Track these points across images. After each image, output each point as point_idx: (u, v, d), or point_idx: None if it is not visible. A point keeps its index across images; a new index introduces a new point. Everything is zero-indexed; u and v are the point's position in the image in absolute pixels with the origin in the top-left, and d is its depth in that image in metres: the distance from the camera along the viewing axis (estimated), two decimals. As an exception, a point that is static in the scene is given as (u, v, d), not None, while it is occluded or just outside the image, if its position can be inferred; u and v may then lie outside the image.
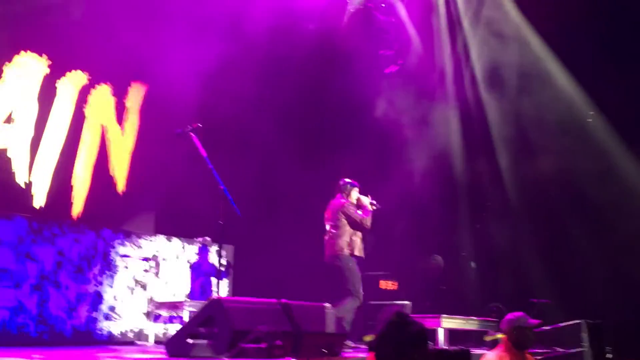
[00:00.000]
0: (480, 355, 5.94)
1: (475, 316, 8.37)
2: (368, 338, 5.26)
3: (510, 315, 5.07)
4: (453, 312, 8.13)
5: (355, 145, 10.56)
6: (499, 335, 5.43)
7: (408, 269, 10.11)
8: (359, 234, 7.24)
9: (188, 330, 4.61)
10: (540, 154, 10.26)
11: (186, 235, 8.77)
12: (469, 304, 10.10)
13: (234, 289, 9.21)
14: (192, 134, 6.11)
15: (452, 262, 10.84)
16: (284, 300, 4.94)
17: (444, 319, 7.24)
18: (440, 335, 7.33)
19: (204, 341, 4.40)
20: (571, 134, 10.11)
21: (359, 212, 7.24)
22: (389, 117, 10.58)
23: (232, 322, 4.29)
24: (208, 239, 8.72)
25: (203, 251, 8.78)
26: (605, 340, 6.66)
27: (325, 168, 10.00)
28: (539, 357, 6.14)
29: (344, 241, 7.12)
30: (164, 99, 9.00)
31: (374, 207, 7.40)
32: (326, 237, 7.30)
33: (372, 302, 8.94)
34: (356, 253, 7.17)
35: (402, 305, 8.43)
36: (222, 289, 8.47)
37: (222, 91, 9.39)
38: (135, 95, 9.48)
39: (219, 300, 4.50)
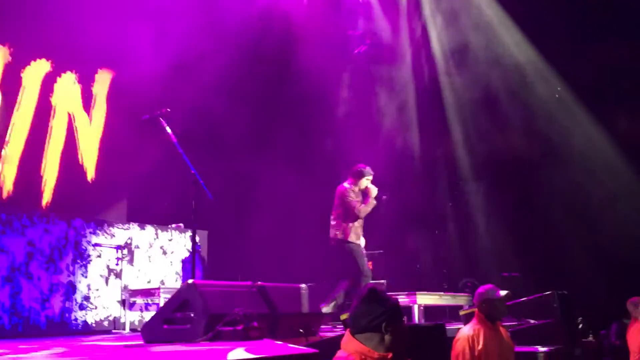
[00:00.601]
0: (455, 330, 6.06)
1: (449, 292, 8.50)
2: (344, 316, 5.31)
3: (480, 289, 5.15)
4: (428, 289, 8.24)
5: (323, 128, 10.58)
6: (473, 309, 5.53)
7: (383, 248, 10.19)
8: (357, 220, 7.25)
9: (163, 315, 4.59)
10: (511, 131, 10.39)
11: (159, 222, 8.72)
12: (444, 280, 10.26)
13: (209, 274, 9.19)
14: (161, 119, 6.04)
15: (427, 241, 10.97)
16: (259, 283, 4.96)
17: (419, 296, 7.32)
18: (416, 311, 7.41)
19: (180, 326, 4.39)
20: (539, 110, 10.27)
21: (358, 200, 7.21)
22: (354, 98, 10.61)
23: (207, 306, 4.28)
24: (181, 225, 8.68)
25: (177, 237, 8.74)
26: (576, 311, 6.82)
27: (295, 151, 10.01)
28: (512, 329, 6.27)
29: (340, 226, 7.18)
30: (131, 86, 8.89)
31: (382, 199, 7.39)
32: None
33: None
34: (351, 239, 7.19)
35: (378, 283, 8.51)
36: (196, 274, 8.45)
37: (190, 77, 9.30)
38: (102, 83, 9.35)
39: (194, 284, 4.49)
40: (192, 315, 4.38)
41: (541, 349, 5.87)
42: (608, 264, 9.47)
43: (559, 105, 10.32)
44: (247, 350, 3.29)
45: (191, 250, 6.22)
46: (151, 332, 4.58)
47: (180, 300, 4.50)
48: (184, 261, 8.66)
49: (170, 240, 8.71)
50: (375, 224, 10.19)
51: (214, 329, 4.17)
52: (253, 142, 10.15)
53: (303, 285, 5.62)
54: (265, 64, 10.30)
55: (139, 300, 7.99)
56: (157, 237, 8.61)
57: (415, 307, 7.39)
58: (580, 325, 7.82)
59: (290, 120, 10.93)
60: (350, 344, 2.95)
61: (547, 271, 9.10)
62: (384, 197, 7.44)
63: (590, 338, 8.24)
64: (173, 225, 8.71)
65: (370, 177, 7.38)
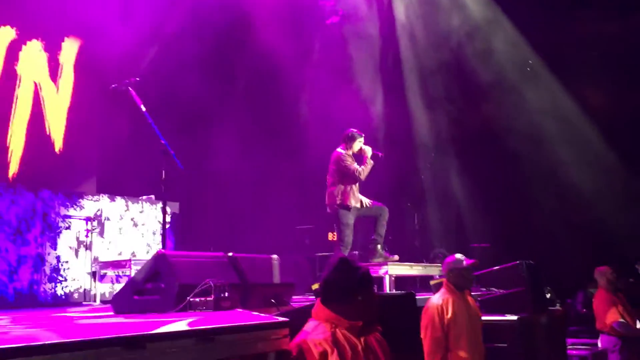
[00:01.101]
0: (426, 299, 6.13)
1: (420, 262, 8.57)
2: (315, 286, 5.33)
3: (448, 259, 5.22)
4: (399, 259, 8.31)
5: (293, 99, 10.51)
6: (443, 279, 5.60)
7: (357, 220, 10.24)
8: (355, 184, 7.22)
9: (133, 286, 4.55)
10: (481, 104, 10.45)
11: (130, 193, 8.62)
12: (415, 251, 10.36)
13: (181, 245, 9.15)
14: (130, 88, 5.92)
15: (398, 213, 11.04)
16: (230, 253, 4.94)
17: (390, 266, 7.37)
18: (387, 281, 7.47)
19: (151, 297, 4.36)
20: (507, 87, 10.33)
21: (355, 164, 7.16)
22: (324, 69, 10.55)
23: (178, 276, 4.25)
24: (152, 196, 8.60)
25: (148, 209, 8.66)
26: (543, 280, 6.94)
27: (262, 123, 9.94)
28: (481, 298, 6.36)
29: (339, 191, 7.14)
30: (100, 55, 8.71)
31: (379, 156, 7.34)
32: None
33: (321, 254, 9.07)
34: (350, 203, 7.16)
35: (350, 254, 8.56)
36: (168, 245, 8.40)
37: (160, 45, 9.13)
38: (69, 51, 9.13)
39: (164, 254, 4.45)
40: (162, 286, 4.35)
41: (509, 317, 5.97)
42: (574, 235, 9.66)
43: (528, 76, 10.39)
44: (217, 320, 3.28)
45: (162, 221, 6.15)
46: (121, 303, 4.54)
47: (150, 271, 4.46)
48: (155, 233, 8.60)
49: (141, 212, 8.64)
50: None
51: (184, 300, 4.15)
52: (224, 113, 10.03)
53: (274, 256, 5.63)
54: (234, 34, 10.14)
55: (110, 272, 7.93)
56: (128, 209, 8.52)
57: (387, 277, 7.44)
58: (548, 295, 7.98)
59: (260, 91, 10.83)
60: (321, 313, 2.97)
61: (516, 242, 9.25)
62: (380, 154, 7.37)
63: (557, 307, 8.42)
64: (144, 197, 8.63)
65: (362, 139, 7.33)
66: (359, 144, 7.30)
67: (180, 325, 2.99)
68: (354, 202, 7.19)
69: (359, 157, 7.28)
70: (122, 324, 3.36)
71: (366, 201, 7.41)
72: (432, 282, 6.77)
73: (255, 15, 10.21)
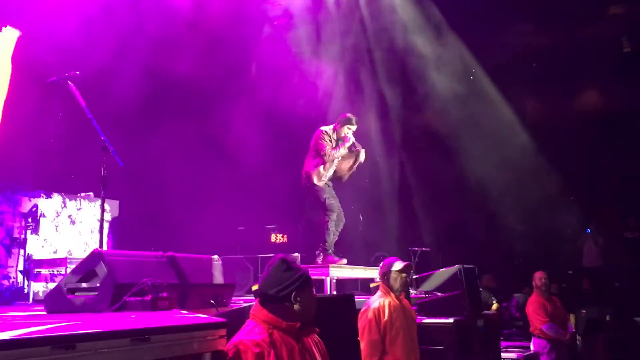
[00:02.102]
0: (364, 301, 6.18)
1: (362, 265, 8.64)
2: (255, 287, 5.30)
3: (383, 261, 5.28)
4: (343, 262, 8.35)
5: (228, 101, 10.45)
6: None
7: (297, 222, 10.24)
8: (327, 165, 7.15)
9: (67, 285, 4.42)
10: (425, 113, 10.64)
11: (67, 190, 8.39)
12: (357, 253, 10.43)
13: (119, 244, 8.96)
14: (69, 82, 5.74)
15: (344, 215, 11.09)
16: (169, 253, 4.86)
17: (331, 268, 7.41)
18: (328, 284, 7.50)
19: (85, 296, 4.25)
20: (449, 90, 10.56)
21: (330, 144, 7.09)
22: (268, 68, 10.54)
23: (114, 276, 4.15)
24: (91, 194, 8.40)
25: (86, 207, 8.44)
26: (480, 284, 7.11)
27: (206, 121, 9.83)
28: (419, 301, 6.46)
29: (310, 166, 7.10)
30: (40, 46, 8.43)
31: (353, 149, 7.24)
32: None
33: (263, 255, 9.02)
34: (315, 181, 7.09)
35: (291, 256, 8.55)
36: (105, 244, 8.21)
37: (102, 38, 8.92)
38: (7, 41, 8.80)
39: (100, 253, 4.34)
40: (98, 285, 4.24)
41: (446, 320, 6.09)
42: (511, 240, 9.92)
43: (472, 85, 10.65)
44: (153, 320, 3.23)
45: (100, 219, 6.00)
46: (54, 302, 4.40)
47: (85, 270, 4.34)
48: (93, 231, 8.39)
49: (79, 209, 8.42)
50: (289, 198, 10.26)
51: (121, 299, 4.06)
52: (165, 113, 9.88)
53: (215, 257, 5.56)
54: (175, 33, 9.97)
55: (44, 271, 7.69)
56: (65, 206, 8.30)
57: (328, 280, 7.48)
58: (494, 302, 8.19)
59: (201, 91, 10.70)
60: (259, 313, 2.96)
61: (455, 246, 9.43)
62: (356, 149, 7.27)
63: (493, 309, 8.64)
64: (82, 194, 8.41)
65: (353, 128, 7.22)
66: (347, 130, 7.18)
67: (114, 324, 2.93)
68: (316, 180, 7.11)
69: (340, 140, 7.20)
70: (53, 324, 3.26)
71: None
72: (371, 285, 6.84)
73: (198, 16, 10.10)
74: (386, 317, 4.87)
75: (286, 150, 10.17)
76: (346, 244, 10.84)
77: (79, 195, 8.39)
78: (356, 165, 7.33)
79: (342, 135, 7.14)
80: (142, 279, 4.20)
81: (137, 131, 9.49)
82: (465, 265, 6.75)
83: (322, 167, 7.11)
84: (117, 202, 8.91)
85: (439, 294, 6.47)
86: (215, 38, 9.89)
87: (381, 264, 5.27)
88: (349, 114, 7.22)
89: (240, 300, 6.25)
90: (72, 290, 4.35)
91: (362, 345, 4.82)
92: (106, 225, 8.02)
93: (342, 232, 11.03)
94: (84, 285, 4.36)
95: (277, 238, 9.82)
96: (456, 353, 5.90)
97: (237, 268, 8.95)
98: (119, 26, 9.00)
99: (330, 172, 7.22)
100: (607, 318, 9.95)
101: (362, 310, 5.00)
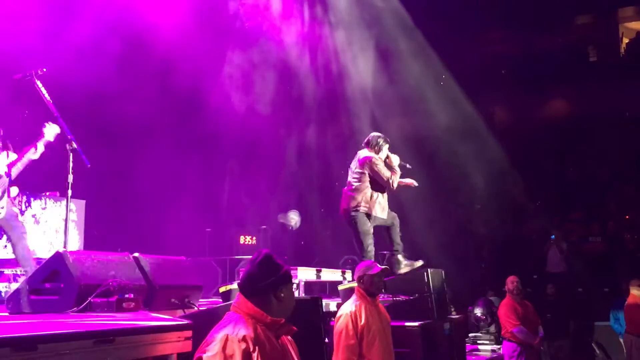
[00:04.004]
0: (334, 304, 6.20)
1: (331, 268, 8.67)
2: (223, 289, 5.28)
3: (359, 265, 5.29)
4: (310, 264, 8.38)
5: (197, 99, 10.40)
6: (351, 285, 5.68)
7: (267, 224, 10.24)
8: (383, 193, 6.66)
9: (31, 286, 4.35)
10: (396, 117, 10.73)
11: (32, 189, 8.24)
12: (326, 256, 10.47)
13: (85, 245, 8.84)
14: (36, 79, 5.64)
15: (311, 218, 11.14)
16: (136, 254, 4.82)
17: (300, 271, 7.41)
18: (297, 286, 7.50)
19: (49, 296, 4.18)
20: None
21: (388, 171, 6.58)
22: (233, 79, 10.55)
23: (79, 276, 4.10)
24: (56, 193, 8.27)
25: (51, 206, 8.31)
26: (447, 287, 7.18)
27: (174, 123, 9.78)
28: (387, 304, 6.50)
29: (363, 197, 6.54)
30: (5, 43, 8.27)
31: (406, 167, 6.79)
32: (345, 189, 6.71)
33: (231, 257, 9.00)
34: (376, 213, 6.59)
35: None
36: (71, 244, 8.09)
37: (66, 37, 8.77)
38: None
39: (65, 253, 4.28)
40: (62, 285, 4.18)
41: (413, 323, 6.14)
42: (477, 245, 10.06)
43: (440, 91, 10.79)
44: (117, 321, 3.20)
45: (65, 219, 5.90)
46: (16, 303, 4.33)
47: (49, 270, 4.28)
48: (58, 231, 8.26)
49: (43, 208, 8.28)
50: (259, 200, 10.24)
51: (85, 300, 4.01)
52: (135, 112, 9.73)
53: (183, 258, 5.54)
54: (140, 27, 9.83)
55: (7, 271, 7.53)
56: (30, 206, 8.15)
57: (296, 282, 7.48)
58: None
59: (169, 88, 10.61)
60: (243, 306, 2.94)
61: (422, 250, 9.51)
62: (408, 165, 6.81)
63: (455, 314, 8.72)
64: (47, 193, 8.27)
65: (388, 146, 6.73)
66: (386, 150, 6.72)
67: (78, 325, 2.89)
68: (379, 212, 6.60)
69: (387, 165, 6.68)
70: (15, 325, 3.21)
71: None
72: (340, 288, 6.84)
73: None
74: (363, 321, 4.86)
75: (255, 153, 10.16)
76: (315, 247, 10.89)
77: (44, 194, 8.25)
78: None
79: (383, 157, 6.69)
80: (107, 279, 4.17)
81: (105, 131, 9.35)
82: (432, 269, 6.82)
83: (381, 194, 6.62)
84: (83, 202, 8.79)
85: (406, 297, 6.51)
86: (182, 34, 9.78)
87: (357, 267, 5.26)
88: (379, 135, 6.73)
89: (208, 302, 6.22)
90: (35, 291, 4.29)
91: (338, 349, 4.80)
92: (72, 225, 7.92)
93: (311, 234, 11.11)
94: (47, 285, 4.30)
95: (245, 240, 9.79)
96: (422, 356, 5.94)
97: (206, 270, 8.91)
98: (83, 27, 8.85)
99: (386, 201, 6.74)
100: (571, 323, 10.14)
101: (338, 314, 4.99)
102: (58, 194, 8.26)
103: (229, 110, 10.27)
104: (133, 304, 4.06)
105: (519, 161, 11.83)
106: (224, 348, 2.74)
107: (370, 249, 6.58)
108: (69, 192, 5.51)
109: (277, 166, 10.81)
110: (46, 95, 5.58)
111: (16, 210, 5.98)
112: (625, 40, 19.00)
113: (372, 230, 6.63)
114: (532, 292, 9.90)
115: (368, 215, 6.55)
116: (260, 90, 10.76)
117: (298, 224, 10.32)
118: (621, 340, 9.13)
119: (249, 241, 9.82)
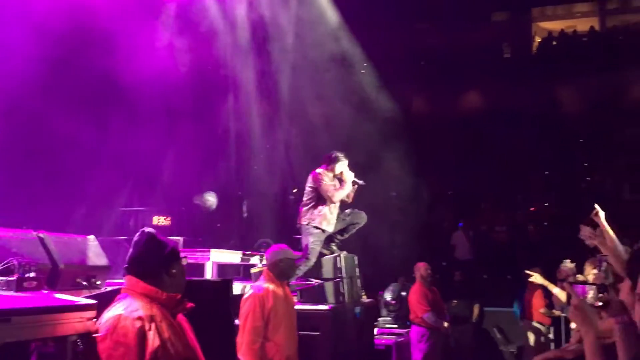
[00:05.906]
0: (244, 287, 6.20)
1: (245, 251, 8.65)
2: (254, 270, 5.30)
3: (274, 247, 5.31)
4: (224, 247, 8.32)
5: (121, 75, 10.08)
6: (263, 268, 5.71)
7: (181, 205, 10.10)
8: (332, 206, 6.81)
9: None
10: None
11: None
12: (241, 239, 10.46)
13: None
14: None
15: (227, 201, 11.07)
16: (41, 231, 4.65)
17: (213, 253, 7.35)
18: (210, 268, 7.44)
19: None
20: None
21: (332, 184, 6.77)
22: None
23: (-24, 253, 3.92)
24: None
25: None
26: (359, 271, 7.35)
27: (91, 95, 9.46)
28: (299, 288, 6.59)
29: (311, 212, 6.77)
30: None
31: (359, 184, 6.96)
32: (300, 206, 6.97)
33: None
34: (322, 226, 6.78)
35: (174, 240, 8.39)
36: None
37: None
38: None
39: (-39, 229, 4.08)
40: (-43, 263, 3.98)
41: (324, 306, 6.25)
42: (390, 230, 10.31)
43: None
44: (17, 301, 3.09)
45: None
46: None
47: (-57, 247, 4.07)
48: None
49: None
50: (175, 180, 10.06)
51: (-17, 279, 3.84)
52: (55, 82, 9.26)
53: (91, 237, 5.38)
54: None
55: None
56: None
57: (209, 264, 7.41)
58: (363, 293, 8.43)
59: (91, 59, 10.20)
60: (136, 286, 2.92)
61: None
62: (361, 182, 6.99)
63: (365, 298, 8.92)
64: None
65: (346, 162, 6.94)
66: (341, 166, 6.91)
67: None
68: (325, 225, 6.83)
69: (339, 180, 6.88)
70: None
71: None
72: (252, 271, 6.86)
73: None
74: (270, 304, 4.90)
75: (176, 132, 9.96)
76: (230, 230, 10.83)
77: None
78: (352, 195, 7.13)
79: (338, 172, 6.90)
80: (8, 257, 4.00)
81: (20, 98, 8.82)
82: (344, 253, 6.95)
83: (327, 210, 6.82)
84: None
85: (318, 281, 6.62)
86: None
87: (272, 250, 5.27)
88: (335, 153, 6.96)
89: (118, 283, 6.08)
90: None
91: (244, 331, 4.81)
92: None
93: (226, 216, 11.03)
94: (-60, 263, 4.08)
95: (159, 220, 9.61)
96: (332, 339, 6.07)
97: (116, 250, 8.66)
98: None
99: (335, 214, 6.97)
100: (475, 309, 10.59)
101: (245, 296, 4.99)
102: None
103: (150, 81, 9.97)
104: (35, 283, 3.92)
105: (431, 151, 12.19)
106: (116, 327, 2.72)
107: (312, 261, 6.79)
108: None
109: (197, 146, 10.65)
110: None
111: None
112: (538, 39, 19.89)
113: (319, 246, 6.87)
114: (440, 278, 10.25)
115: (316, 228, 6.79)
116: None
117: (214, 206, 10.24)
118: (521, 324, 9.66)
119: (162, 222, 9.64)
